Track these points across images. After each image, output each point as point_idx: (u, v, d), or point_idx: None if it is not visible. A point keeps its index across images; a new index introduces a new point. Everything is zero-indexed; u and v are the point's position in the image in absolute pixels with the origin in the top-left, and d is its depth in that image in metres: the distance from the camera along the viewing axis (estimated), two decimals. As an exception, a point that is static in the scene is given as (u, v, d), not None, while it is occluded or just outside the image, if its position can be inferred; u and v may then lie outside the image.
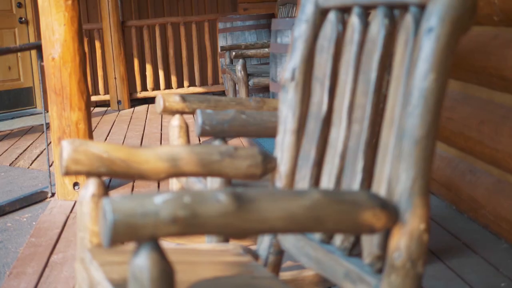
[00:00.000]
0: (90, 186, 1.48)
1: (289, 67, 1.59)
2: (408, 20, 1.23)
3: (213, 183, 2.07)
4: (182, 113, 2.45)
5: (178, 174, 1.50)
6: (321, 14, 1.55)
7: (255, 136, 2.07)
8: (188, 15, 8.20)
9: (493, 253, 2.58)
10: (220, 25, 6.49)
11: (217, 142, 2.04)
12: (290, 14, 5.49)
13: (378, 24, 1.33)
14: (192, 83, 7.81)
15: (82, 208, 1.48)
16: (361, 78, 1.37)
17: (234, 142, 4.82)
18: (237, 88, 5.77)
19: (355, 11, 1.42)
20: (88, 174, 1.46)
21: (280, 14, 5.90)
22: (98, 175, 1.47)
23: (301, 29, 1.57)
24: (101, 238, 0.97)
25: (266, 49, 5.62)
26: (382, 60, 1.33)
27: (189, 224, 0.98)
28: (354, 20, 1.42)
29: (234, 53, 5.40)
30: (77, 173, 1.44)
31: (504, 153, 2.62)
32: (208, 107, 2.39)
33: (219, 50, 6.75)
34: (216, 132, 2.00)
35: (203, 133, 2.00)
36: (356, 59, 1.41)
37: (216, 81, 8.10)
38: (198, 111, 2.01)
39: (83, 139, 1.51)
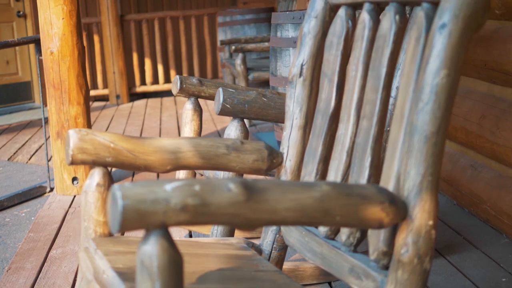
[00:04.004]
0: (96, 176, 1.47)
1: (297, 63, 1.60)
2: (420, 16, 1.23)
3: (225, 175, 2.07)
4: (198, 96, 2.46)
5: (184, 166, 1.51)
6: (331, 10, 1.56)
7: (274, 120, 2.05)
8: (188, 9, 8.17)
9: (494, 248, 2.57)
10: (219, 19, 6.46)
11: (235, 122, 2.03)
12: (290, 8, 5.47)
13: (389, 21, 1.34)
14: (191, 77, 7.79)
15: (87, 197, 1.47)
16: (371, 74, 1.37)
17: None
18: (236, 82, 5.75)
19: (366, 7, 1.42)
20: (94, 164, 1.45)
21: (280, 8, 5.88)
22: (104, 165, 1.46)
23: (310, 25, 1.58)
24: (109, 225, 0.96)
25: (266, 43, 5.59)
26: (392, 56, 1.34)
27: (199, 213, 0.97)
28: (365, 17, 1.42)
29: (233, 47, 5.37)
30: (83, 163, 1.43)
31: (505, 147, 2.61)
32: None
33: (218, 44, 6.73)
34: (235, 111, 1.99)
35: (223, 111, 1.98)
36: (366, 56, 1.41)
37: (215, 75, 8.08)
38: (220, 89, 2.00)
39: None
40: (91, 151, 1.42)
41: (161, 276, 0.95)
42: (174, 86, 2.44)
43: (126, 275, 1.25)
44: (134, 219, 0.93)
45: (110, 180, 1.47)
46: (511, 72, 2.58)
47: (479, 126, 2.81)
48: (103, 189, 1.46)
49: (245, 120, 5.31)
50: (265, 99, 2.00)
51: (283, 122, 2.05)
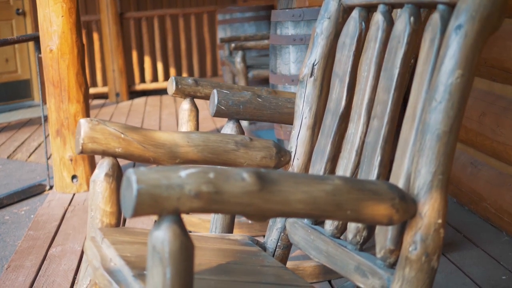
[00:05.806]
0: (105, 166, 1.47)
1: (308, 63, 1.62)
2: (436, 18, 1.24)
3: None
4: (193, 96, 2.46)
5: (193, 161, 1.52)
6: (344, 11, 1.58)
7: (269, 121, 2.06)
8: (187, 6, 8.17)
9: (494, 246, 2.57)
10: (219, 17, 6.45)
11: (231, 124, 2.03)
12: (290, 6, 5.46)
13: (404, 22, 1.35)
14: (191, 75, 7.78)
15: (95, 187, 1.47)
16: (383, 74, 1.39)
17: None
18: (236, 80, 5.75)
19: (381, 8, 1.44)
20: (104, 154, 1.45)
21: (279, 6, 5.87)
22: (114, 155, 1.46)
23: (323, 25, 1.60)
24: (122, 209, 0.96)
25: (266, 41, 5.58)
26: (406, 57, 1.35)
27: (212, 200, 0.98)
28: (379, 18, 1.43)
29: (233, 45, 5.36)
30: (93, 152, 1.43)
31: (505, 145, 2.61)
32: None
33: (218, 42, 6.73)
34: (230, 113, 1.99)
35: (218, 113, 1.99)
36: (378, 56, 1.43)
37: (215, 73, 8.08)
38: (214, 91, 2.00)
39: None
40: (101, 141, 1.43)
41: (172, 261, 0.95)
42: (170, 86, 2.44)
43: (134, 264, 1.25)
44: (148, 203, 0.93)
45: (118, 170, 1.48)
46: (511, 69, 2.57)
47: (479, 123, 2.81)
48: (111, 179, 1.47)
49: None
50: (260, 100, 2.00)
51: (278, 122, 2.06)
